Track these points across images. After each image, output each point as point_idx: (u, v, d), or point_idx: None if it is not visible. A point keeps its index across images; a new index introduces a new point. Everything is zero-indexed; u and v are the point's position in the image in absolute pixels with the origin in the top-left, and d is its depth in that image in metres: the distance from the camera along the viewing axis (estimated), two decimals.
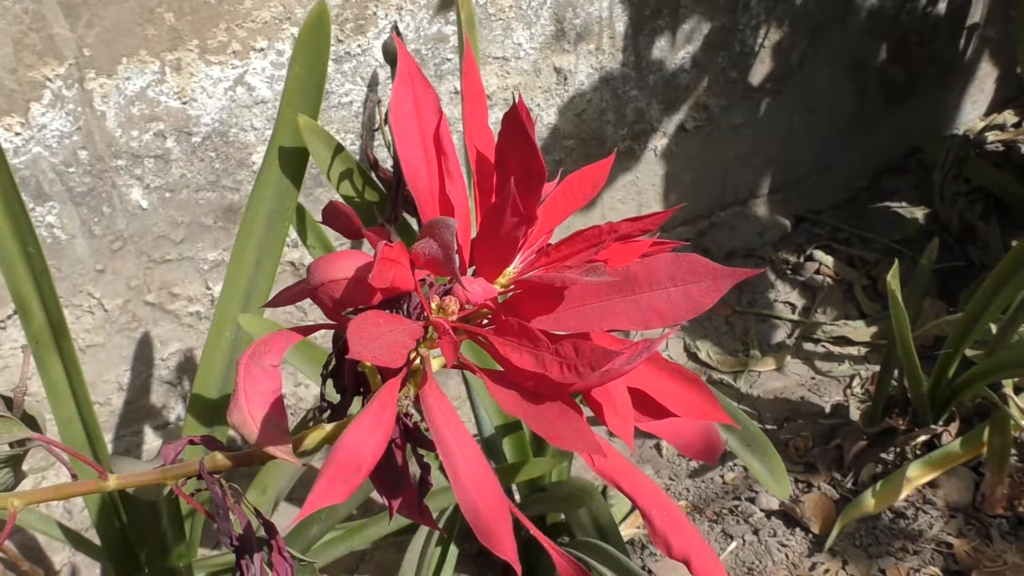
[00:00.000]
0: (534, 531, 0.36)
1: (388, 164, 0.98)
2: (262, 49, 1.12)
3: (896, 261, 1.07)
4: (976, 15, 1.67)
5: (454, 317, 0.34)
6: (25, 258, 0.79)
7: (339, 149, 0.88)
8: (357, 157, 1.13)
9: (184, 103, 1.11)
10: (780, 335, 1.50)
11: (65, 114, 1.04)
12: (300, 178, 0.89)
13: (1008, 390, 1.19)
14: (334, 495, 0.29)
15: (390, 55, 1.02)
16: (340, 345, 0.38)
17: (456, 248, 0.32)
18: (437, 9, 1.20)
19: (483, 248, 0.34)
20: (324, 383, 0.40)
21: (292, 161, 0.87)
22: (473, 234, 0.36)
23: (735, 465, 1.26)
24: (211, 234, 1.20)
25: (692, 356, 1.47)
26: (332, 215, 0.37)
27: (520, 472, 0.92)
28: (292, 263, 1.27)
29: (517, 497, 1.06)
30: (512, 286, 0.35)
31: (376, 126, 1.02)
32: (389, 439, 0.32)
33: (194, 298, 1.24)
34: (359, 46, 1.17)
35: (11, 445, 0.38)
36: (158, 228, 1.16)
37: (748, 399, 1.38)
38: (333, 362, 0.39)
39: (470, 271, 0.36)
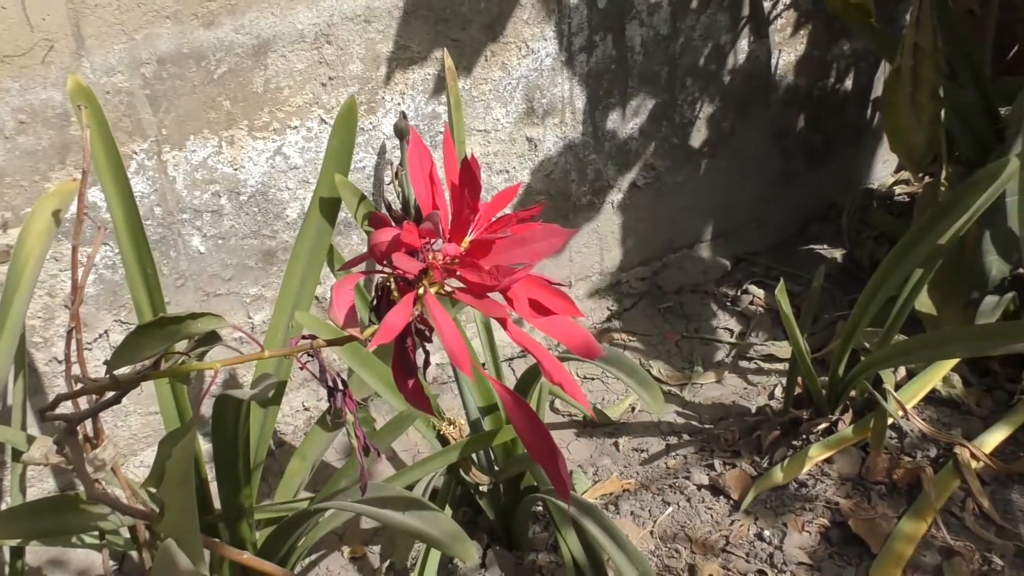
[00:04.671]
0: (492, 381, 0.70)
1: (396, 205, 1.34)
2: (295, 127, 1.46)
3: (781, 280, 1.43)
4: (878, 90, 2.06)
5: (440, 261, 0.69)
6: (143, 276, 1.14)
7: (363, 198, 1.24)
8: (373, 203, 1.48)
9: (235, 169, 1.42)
10: (720, 355, 1.85)
11: (146, 179, 1.36)
12: (334, 221, 1.24)
13: (888, 386, 1.54)
14: (384, 339, 0.64)
15: (399, 131, 1.39)
16: (379, 289, 0.73)
17: (441, 227, 0.67)
18: (431, 93, 1.56)
19: (454, 228, 0.70)
20: (370, 313, 0.74)
21: (328, 208, 1.22)
22: (449, 222, 0.71)
23: (676, 454, 1.59)
24: (252, 273, 1.53)
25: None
26: (376, 219, 0.73)
27: (496, 436, 1.26)
28: (316, 297, 1.60)
29: (496, 464, 1.39)
30: (468, 246, 0.70)
31: (389, 181, 1.38)
32: (409, 321, 0.66)
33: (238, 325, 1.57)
34: (370, 123, 1.52)
35: (203, 338, 0.72)
36: (212, 268, 1.48)
37: (691, 404, 1.73)
38: (375, 301, 0.74)
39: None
